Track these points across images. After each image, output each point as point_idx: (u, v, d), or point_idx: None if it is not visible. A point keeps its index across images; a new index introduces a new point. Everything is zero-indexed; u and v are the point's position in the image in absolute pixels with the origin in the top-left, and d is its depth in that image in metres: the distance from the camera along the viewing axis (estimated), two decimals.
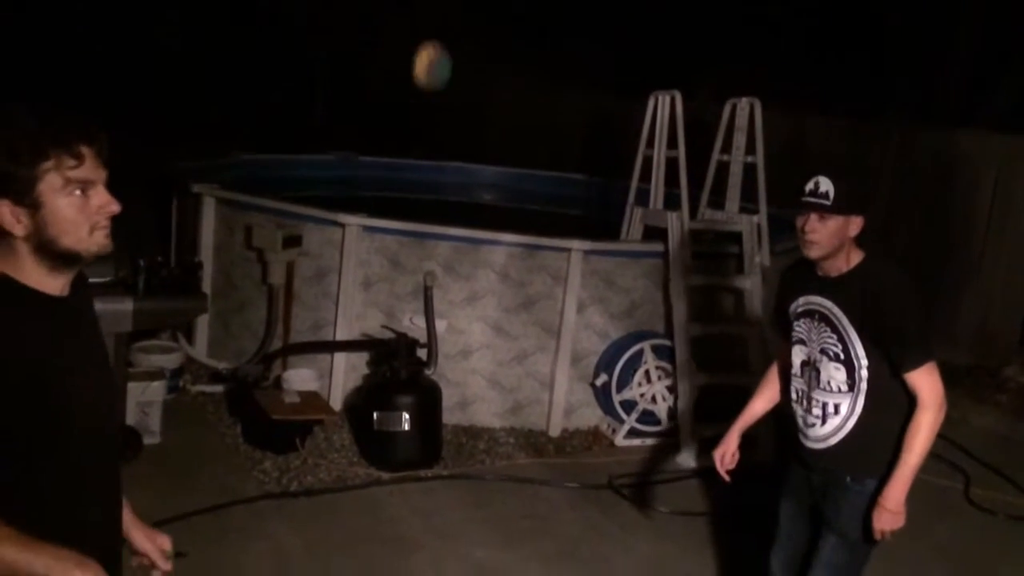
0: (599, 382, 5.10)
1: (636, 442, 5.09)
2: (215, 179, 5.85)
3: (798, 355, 2.75)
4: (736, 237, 5.42)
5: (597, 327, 5.19)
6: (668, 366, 5.10)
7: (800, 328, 2.74)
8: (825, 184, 2.56)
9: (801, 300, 2.74)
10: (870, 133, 7.55)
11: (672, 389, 5.09)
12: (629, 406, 5.09)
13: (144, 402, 4.51)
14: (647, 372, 5.11)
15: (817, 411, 2.70)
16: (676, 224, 5.19)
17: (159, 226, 6.42)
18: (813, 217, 2.56)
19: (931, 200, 7.10)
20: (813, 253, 2.61)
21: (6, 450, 1.61)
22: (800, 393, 2.76)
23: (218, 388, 5.22)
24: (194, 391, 5.23)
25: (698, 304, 5.17)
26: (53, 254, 1.69)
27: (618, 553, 3.95)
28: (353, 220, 5.08)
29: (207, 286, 5.57)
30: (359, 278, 5.11)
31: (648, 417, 5.12)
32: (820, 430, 2.70)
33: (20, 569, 1.51)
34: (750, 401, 3.00)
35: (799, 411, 2.76)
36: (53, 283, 1.72)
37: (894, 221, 6.99)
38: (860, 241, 2.66)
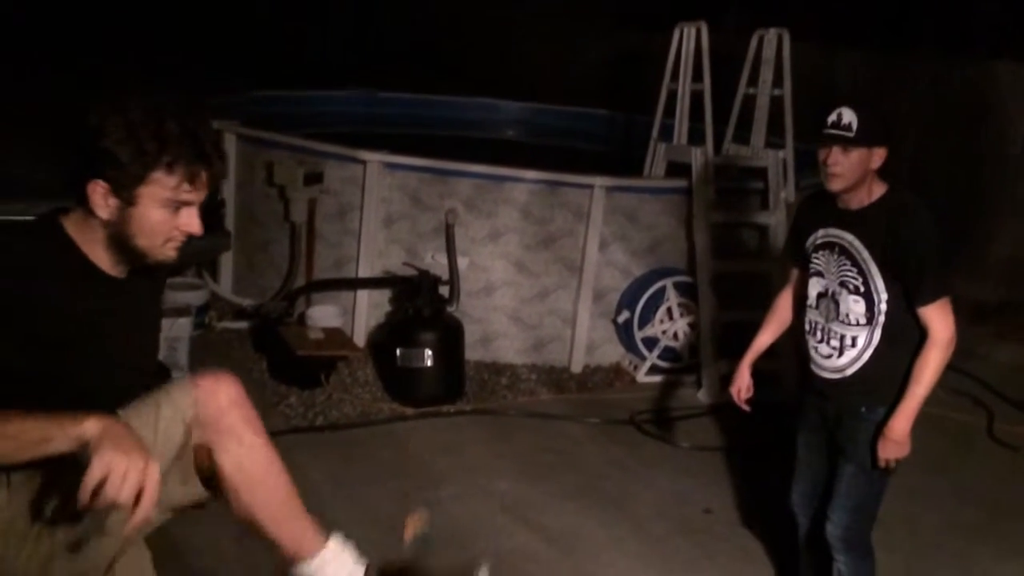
0: (621, 319, 5.10)
1: (657, 378, 5.11)
2: (234, 116, 5.82)
3: (815, 287, 2.75)
4: (761, 172, 5.35)
5: (619, 264, 5.18)
6: (690, 303, 5.09)
7: (818, 260, 2.73)
8: (848, 115, 2.52)
9: (820, 232, 2.72)
10: (902, 64, 7.37)
11: (694, 326, 5.08)
12: (651, 343, 5.10)
13: (172, 338, 4.57)
14: (669, 309, 5.11)
15: (834, 343, 2.70)
16: (700, 159, 5.13)
17: None
18: (836, 149, 2.53)
19: (964, 133, 6.95)
20: (836, 186, 2.58)
21: (20, 389, 1.62)
22: (815, 324, 2.76)
23: (243, 324, 5.27)
24: (220, 327, 5.29)
25: (721, 241, 5.14)
26: (122, 246, 1.71)
27: (639, 487, 4.00)
28: (374, 157, 5.05)
29: (230, 223, 5.60)
30: (381, 215, 5.10)
31: (670, 354, 5.13)
32: (836, 361, 2.71)
33: (31, 438, 1.47)
34: (757, 334, 3.02)
35: (813, 342, 2.77)
36: (111, 266, 1.74)
37: (926, 154, 6.86)
38: (884, 173, 2.63)
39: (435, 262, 5.00)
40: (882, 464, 2.65)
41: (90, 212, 1.68)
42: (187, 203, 1.70)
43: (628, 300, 5.12)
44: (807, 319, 2.80)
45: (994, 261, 6.75)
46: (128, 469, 1.41)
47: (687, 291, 5.10)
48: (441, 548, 3.42)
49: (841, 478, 2.75)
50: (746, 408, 2.99)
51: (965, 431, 4.73)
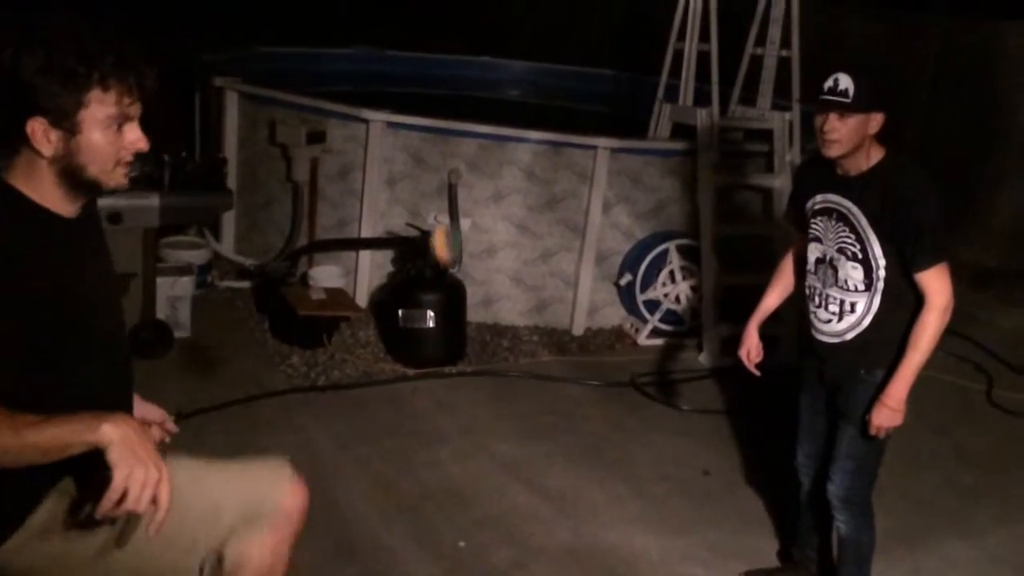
0: (623, 282, 5.09)
1: (659, 342, 5.11)
2: (238, 72, 5.76)
3: (813, 252, 2.75)
4: (767, 135, 5.31)
5: (622, 226, 5.16)
6: (693, 266, 5.08)
7: (816, 226, 2.72)
8: (844, 81, 2.50)
9: (819, 198, 2.71)
10: (912, 24, 7.27)
11: (696, 289, 5.08)
12: (652, 306, 5.10)
13: (173, 297, 4.58)
14: (672, 272, 5.10)
15: (833, 308, 2.70)
16: (705, 121, 5.08)
17: (182, 121, 6.38)
18: (832, 116, 2.51)
19: (973, 94, 6.88)
20: (833, 152, 2.56)
21: (29, 358, 1.62)
22: (814, 289, 2.76)
23: (245, 284, 5.28)
24: (222, 287, 5.29)
25: (725, 204, 5.10)
26: (75, 181, 1.66)
27: (639, 449, 4.02)
28: (377, 116, 5.01)
29: (232, 182, 5.57)
30: (383, 175, 5.08)
31: (671, 317, 5.13)
32: (835, 326, 2.71)
33: (51, 447, 1.49)
34: (763, 296, 3.02)
35: (812, 307, 2.77)
36: (66, 207, 1.70)
37: (934, 115, 6.79)
38: (885, 138, 2.60)
39: (438, 223, 4.99)
40: (873, 432, 2.64)
41: (31, 154, 1.62)
42: (129, 118, 1.66)
43: (631, 263, 5.11)
44: (807, 284, 2.80)
45: (998, 226, 6.71)
46: (146, 480, 1.46)
47: (690, 254, 5.09)
48: (441, 507, 3.46)
49: (842, 439, 2.76)
50: (756, 372, 2.98)
51: (965, 395, 4.74)
